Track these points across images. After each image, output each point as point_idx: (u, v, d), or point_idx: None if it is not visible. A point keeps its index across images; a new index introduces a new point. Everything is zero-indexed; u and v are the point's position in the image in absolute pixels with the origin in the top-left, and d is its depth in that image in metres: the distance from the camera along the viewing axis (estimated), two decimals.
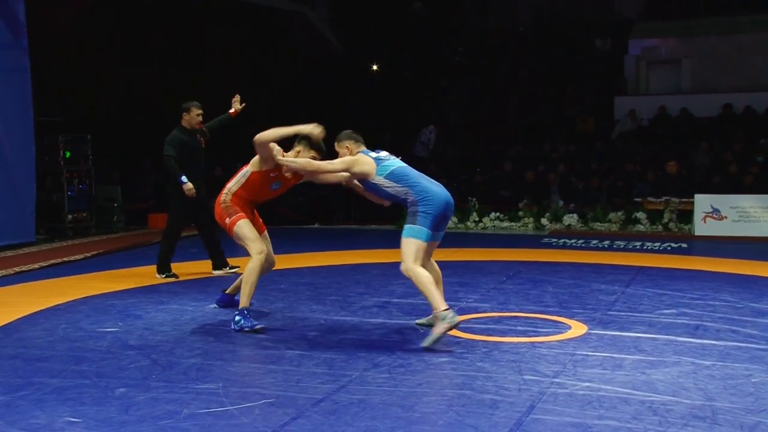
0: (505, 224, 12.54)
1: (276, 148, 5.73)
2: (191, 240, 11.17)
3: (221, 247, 8.14)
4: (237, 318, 5.65)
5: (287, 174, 5.87)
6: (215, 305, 6.46)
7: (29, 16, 10.39)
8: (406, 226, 5.37)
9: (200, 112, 7.88)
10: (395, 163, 5.51)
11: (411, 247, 5.31)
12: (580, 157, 14.98)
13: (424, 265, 5.44)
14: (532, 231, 12.25)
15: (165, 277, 7.91)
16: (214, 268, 8.17)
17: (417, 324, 5.80)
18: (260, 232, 6.01)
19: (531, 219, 12.48)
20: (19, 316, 6.15)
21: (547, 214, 12.47)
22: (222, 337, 5.49)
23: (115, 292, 7.21)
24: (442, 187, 5.52)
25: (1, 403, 4.10)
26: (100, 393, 4.25)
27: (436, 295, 5.20)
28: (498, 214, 12.66)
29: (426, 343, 5.12)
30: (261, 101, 18.05)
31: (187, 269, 8.41)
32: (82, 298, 6.91)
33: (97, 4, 14.47)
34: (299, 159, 5.62)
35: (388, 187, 5.43)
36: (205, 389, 4.29)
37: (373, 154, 5.53)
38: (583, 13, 20.00)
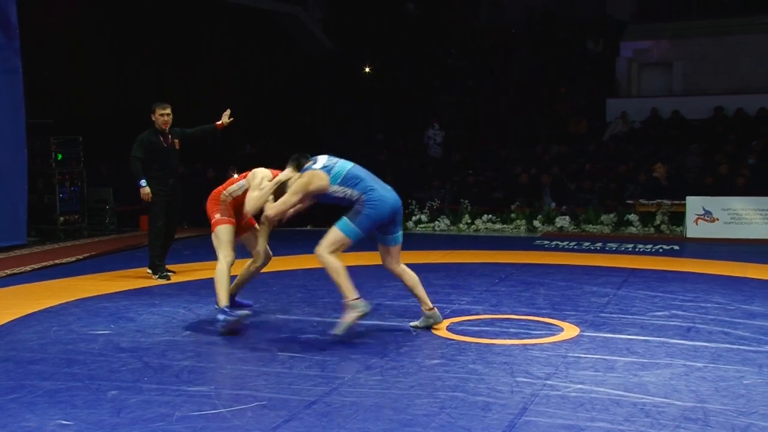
0: (498, 226, 12.56)
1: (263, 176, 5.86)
2: (184, 242, 11.17)
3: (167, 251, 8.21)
4: (220, 317, 5.68)
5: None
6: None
7: (21, 17, 10.35)
8: (343, 218, 5.42)
9: (165, 112, 7.88)
10: (344, 165, 5.52)
11: (336, 237, 5.39)
12: (573, 158, 15.02)
13: (394, 270, 5.71)
14: (524, 233, 12.27)
15: (158, 277, 7.92)
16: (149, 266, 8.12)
17: (411, 326, 5.81)
18: (250, 227, 6.22)
19: (523, 221, 12.50)
20: (11, 319, 6.13)
21: (540, 216, 12.49)
22: (214, 339, 5.49)
23: (107, 294, 7.19)
24: (392, 191, 5.56)
25: None
26: (91, 396, 4.24)
27: (347, 283, 5.32)
28: (490, 216, 12.68)
29: (336, 330, 5.30)
30: (253, 102, 18.09)
31: (180, 272, 8.39)
32: (74, 300, 6.89)
33: (89, 6, 14.43)
34: (273, 206, 5.56)
35: (339, 192, 5.43)
36: (197, 392, 4.28)
37: (318, 165, 5.48)
38: (575, 14, 20.06)
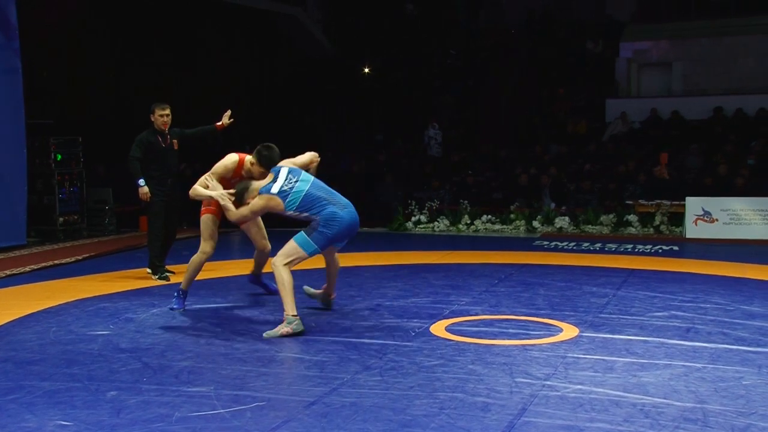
0: (497, 227, 12.57)
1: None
2: (183, 243, 11.16)
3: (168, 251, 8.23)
4: (175, 295, 6.49)
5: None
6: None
7: (21, 18, 10.35)
8: (301, 232, 5.72)
9: (164, 113, 7.91)
10: (301, 188, 5.68)
11: (292, 251, 5.69)
12: (572, 159, 15.02)
13: (327, 258, 6.13)
14: (523, 234, 12.27)
15: (158, 278, 7.93)
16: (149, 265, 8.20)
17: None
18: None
19: (523, 222, 12.51)
20: (10, 319, 6.13)
21: (539, 216, 12.50)
22: (213, 339, 5.49)
23: (107, 294, 7.19)
24: (350, 207, 5.77)
25: None
26: (91, 396, 4.24)
27: (289, 298, 5.59)
28: (490, 216, 12.69)
29: (267, 334, 5.55)
30: (252, 102, 18.09)
31: (179, 272, 8.39)
32: (73, 300, 6.89)
33: (88, 6, 14.43)
34: (219, 194, 5.98)
35: (295, 215, 5.74)
36: (196, 392, 4.28)
37: (276, 188, 5.67)
38: (574, 15, 20.06)
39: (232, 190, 5.99)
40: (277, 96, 18.89)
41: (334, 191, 5.88)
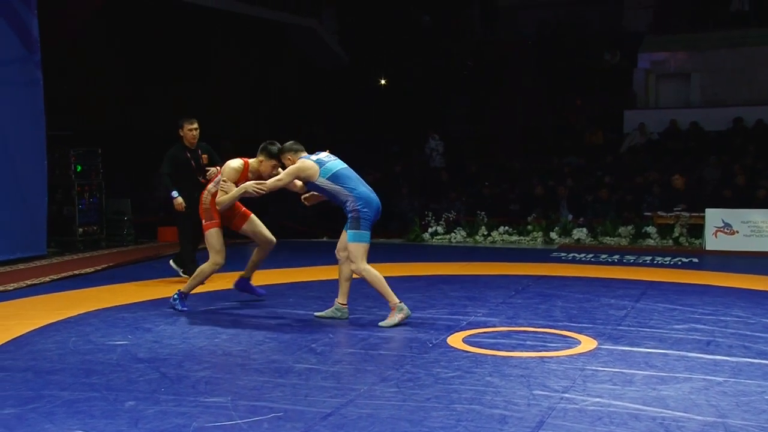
0: (514, 238, 12.53)
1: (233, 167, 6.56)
2: (200, 253, 11.20)
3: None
4: (175, 296, 6.84)
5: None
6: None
7: (41, 31, 10.47)
8: (351, 232, 6.11)
9: (192, 127, 8.06)
10: (337, 164, 6.23)
11: (360, 250, 6.10)
12: (589, 170, 14.96)
13: (342, 257, 6.31)
14: (541, 245, 12.22)
15: (183, 272, 8.28)
16: (174, 261, 8.60)
17: (316, 316, 6.49)
18: (246, 218, 6.92)
19: (540, 233, 12.46)
20: (31, 329, 6.17)
21: (556, 228, 12.45)
22: (230, 350, 5.50)
23: (125, 305, 7.23)
24: (374, 192, 6.29)
25: (13, 416, 4.11)
26: (109, 406, 4.26)
27: (388, 289, 6.11)
28: (507, 227, 12.65)
29: (383, 324, 6.09)
30: (268, 113, 18.18)
31: None
32: (92, 311, 6.93)
33: (106, 19, 14.58)
34: (249, 184, 6.29)
35: (328, 188, 6.13)
36: (214, 403, 4.29)
37: (314, 157, 6.22)
38: (591, 26, 20.03)
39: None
40: (292, 107, 18.96)
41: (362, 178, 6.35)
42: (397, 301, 6.14)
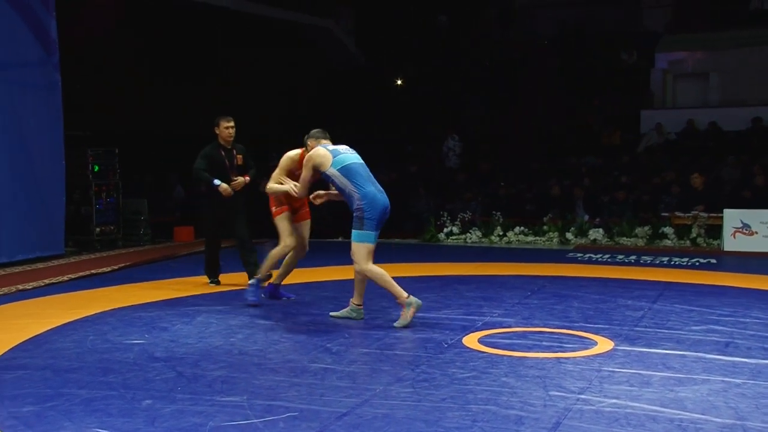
0: (530, 238, 12.49)
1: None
2: (222, 252, 11.25)
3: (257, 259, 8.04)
4: (251, 282, 7.03)
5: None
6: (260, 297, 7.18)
7: (59, 33, 10.56)
8: (354, 231, 6.13)
9: (229, 125, 7.87)
10: (351, 158, 6.28)
11: (363, 250, 6.11)
12: (606, 170, 14.89)
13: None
14: (557, 245, 12.17)
15: (210, 282, 8.27)
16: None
17: (331, 315, 6.50)
18: (304, 219, 7.08)
19: (556, 233, 12.41)
20: (49, 328, 6.22)
21: (572, 228, 12.40)
22: (247, 349, 5.52)
23: (142, 304, 7.27)
24: (384, 192, 6.25)
25: (32, 414, 4.14)
26: (127, 405, 4.28)
27: (395, 285, 6.10)
28: (522, 228, 12.61)
29: (398, 324, 6.07)
30: (286, 114, 18.21)
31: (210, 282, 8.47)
32: (109, 310, 6.98)
33: (125, 19, 14.67)
34: (289, 185, 6.60)
35: (339, 181, 6.15)
36: (230, 402, 4.31)
37: (331, 147, 6.30)
38: (608, 26, 19.92)
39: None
40: (309, 108, 19.00)
41: (373, 177, 6.33)
42: (405, 295, 6.11)
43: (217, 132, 7.89)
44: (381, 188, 6.28)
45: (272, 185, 6.74)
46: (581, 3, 20.53)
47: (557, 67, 19.10)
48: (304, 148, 6.69)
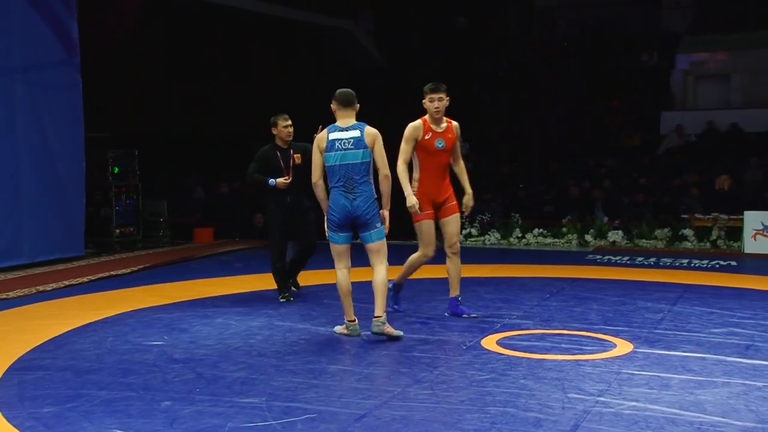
0: (549, 240, 12.43)
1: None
2: (236, 254, 11.31)
3: (303, 267, 7.78)
4: (389, 286, 6.36)
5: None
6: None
7: (80, 34, 10.65)
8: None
9: (287, 123, 7.39)
10: (335, 158, 5.76)
11: (332, 251, 5.93)
12: (626, 172, 14.80)
13: (372, 265, 5.91)
14: (576, 247, 12.11)
15: (281, 298, 7.42)
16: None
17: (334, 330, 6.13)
18: (451, 212, 6.51)
19: (575, 235, 12.34)
20: (69, 329, 6.28)
21: (592, 230, 12.32)
22: (265, 351, 5.54)
23: (161, 305, 7.31)
24: (358, 197, 5.72)
25: (52, 414, 4.18)
26: (146, 406, 4.31)
27: (347, 302, 5.88)
28: (541, 230, 12.56)
29: (335, 329, 5.98)
30: (304, 115, 18.25)
31: (233, 284, 8.50)
32: (129, 311, 7.03)
33: (146, 22, 14.77)
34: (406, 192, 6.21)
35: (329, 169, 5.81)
36: (248, 403, 4.32)
37: (333, 136, 5.83)
38: (628, 26, 19.81)
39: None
40: (328, 109, 19.03)
41: (357, 177, 5.75)
42: (353, 318, 5.90)
43: (275, 132, 7.39)
44: (359, 190, 5.73)
45: (401, 172, 6.19)
46: (601, 4, 20.44)
47: (577, 68, 19.01)
48: (425, 116, 6.39)
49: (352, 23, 19.28)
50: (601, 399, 4.34)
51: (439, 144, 6.37)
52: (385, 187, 5.85)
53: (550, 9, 21.96)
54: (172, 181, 14.74)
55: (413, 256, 6.51)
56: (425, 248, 6.42)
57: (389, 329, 5.75)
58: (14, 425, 4.02)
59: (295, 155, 7.39)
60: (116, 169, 11.94)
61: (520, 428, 3.90)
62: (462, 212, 6.67)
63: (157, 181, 13.87)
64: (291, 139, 7.45)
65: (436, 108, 6.34)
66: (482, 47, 20.22)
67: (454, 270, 6.56)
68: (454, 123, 6.53)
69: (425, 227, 6.38)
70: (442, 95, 6.36)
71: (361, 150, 5.79)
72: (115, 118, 14.29)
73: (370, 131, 5.91)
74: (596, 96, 18.20)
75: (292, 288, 7.71)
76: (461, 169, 6.72)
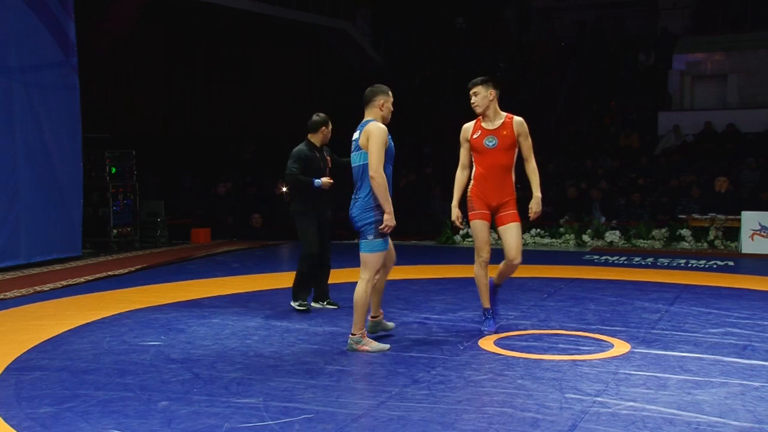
0: (546, 241, 12.43)
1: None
2: (233, 255, 11.30)
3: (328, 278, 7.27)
4: (484, 318, 6.06)
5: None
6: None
7: (78, 35, 10.64)
8: None
9: (330, 127, 7.09)
10: (350, 160, 5.60)
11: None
12: (623, 172, 14.81)
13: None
14: (573, 248, 12.12)
15: (298, 305, 6.97)
16: (313, 300, 7.18)
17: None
18: (509, 220, 6.03)
19: (572, 235, 12.35)
20: (67, 329, 6.27)
21: (589, 230, 12.33)
22: (263, 351, 5.53)
23: (158, 306, 7.31)
24: (355, 201, 5.50)
25: (49, 415, 4.18)
26: (143, 406, 4.31)
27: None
28: (539, 230, 12.56)
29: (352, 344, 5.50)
30: (303, 116, 18.27)
31: (230, 284, 8.50)
32: (126, 311, 7.02)
33: (145, 23, 14.77)
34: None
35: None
36: (246, 404, 4.32)
37: (356, 135, 5.60)
38: (626, 27, 19.84)
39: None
40: (327, 110, 19.05)
41: (356, 181, 5.55)
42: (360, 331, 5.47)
43: (323, 133, 7.03)
44: (358, 195, 5.51)
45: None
46: (599, 5, 20.47)
47: (575, 68, 19.03)
48: (479, 117, 5.99)
49: (350, 24, 19.30)
50: (599, 399, 4.34)
51: (489, 142, 5.92)
52: (373, 187, 5.39)
53: (548, 10, 21.99)
54: (171, 181, 14.72)
55: (474, 271, 6.00)
56: (476, 253, 5.91)
57: (363, 347, 5.41)
58: (11, 425, 4.01)
59: (327, 157, 7.10)
60: (114, 170, 11.93)
61: (517, 428, 3.90)
62: (529, 218, 6.11)
63: (146, 181, 13.74)
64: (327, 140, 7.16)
65: (473, 104, 5.92)
66: (480, 48, 20.24)
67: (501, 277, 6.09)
68: (516, 119, 5.98)
69: (474, 228, 5.93)
70: (477, 89, 5.90)
71: (359, 152, 5.50)
72: (113, 119, 14.30)
73: (367, 129, 5.51)
74: (594, 96, 18.21)
75: (330, 305, 7.14)
76: (531, 170, 6.12)
